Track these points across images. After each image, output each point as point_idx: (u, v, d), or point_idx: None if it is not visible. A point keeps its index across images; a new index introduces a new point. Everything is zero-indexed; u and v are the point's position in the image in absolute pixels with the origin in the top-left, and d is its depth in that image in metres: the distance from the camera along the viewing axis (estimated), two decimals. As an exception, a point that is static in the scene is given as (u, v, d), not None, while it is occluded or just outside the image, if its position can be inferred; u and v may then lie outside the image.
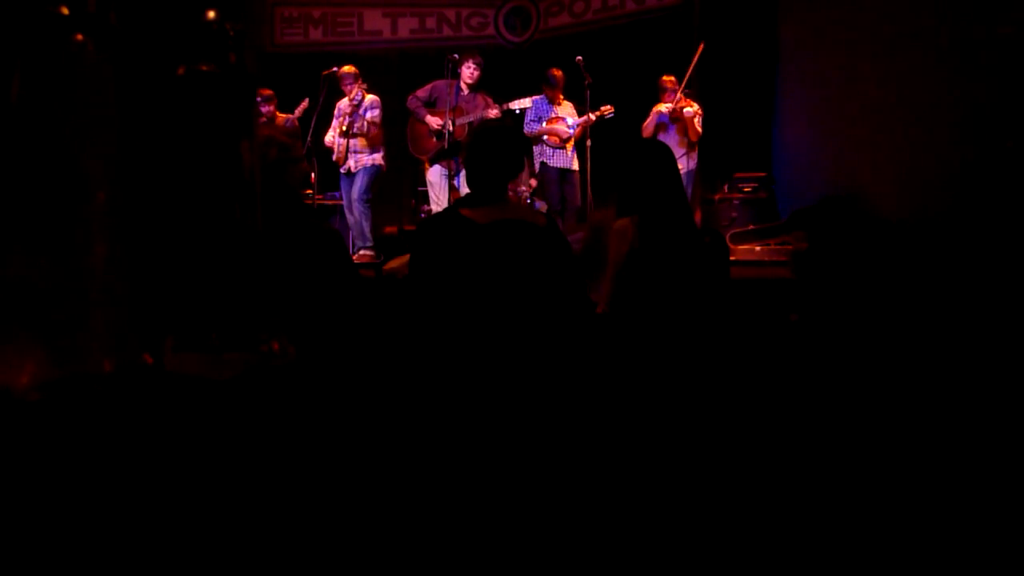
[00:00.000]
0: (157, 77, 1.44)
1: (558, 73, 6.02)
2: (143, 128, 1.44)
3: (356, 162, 5.86)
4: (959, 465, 1.71)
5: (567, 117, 6.06)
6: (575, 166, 6.08)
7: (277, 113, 6.37)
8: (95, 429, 1.22)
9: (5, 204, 1.28)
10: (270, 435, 1.40)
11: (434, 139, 5.80)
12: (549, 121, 6.07)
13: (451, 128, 5.60)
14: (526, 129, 6.09)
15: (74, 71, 1.34)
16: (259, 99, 6.33)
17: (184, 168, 1.43)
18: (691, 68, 6.14)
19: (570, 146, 6.05)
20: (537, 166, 6.23)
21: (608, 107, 6.00)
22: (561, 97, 6.11)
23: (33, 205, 1.28)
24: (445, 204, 5.80)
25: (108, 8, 1.35)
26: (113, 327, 1.30)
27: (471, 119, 5.59)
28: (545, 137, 6.07)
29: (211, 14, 1.41)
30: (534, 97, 6.09)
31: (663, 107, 6.14)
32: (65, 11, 1.28)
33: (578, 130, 6.00)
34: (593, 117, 5.98)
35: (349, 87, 5.88)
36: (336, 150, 5.91)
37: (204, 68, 1.42)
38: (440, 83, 5.81)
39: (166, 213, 1.43)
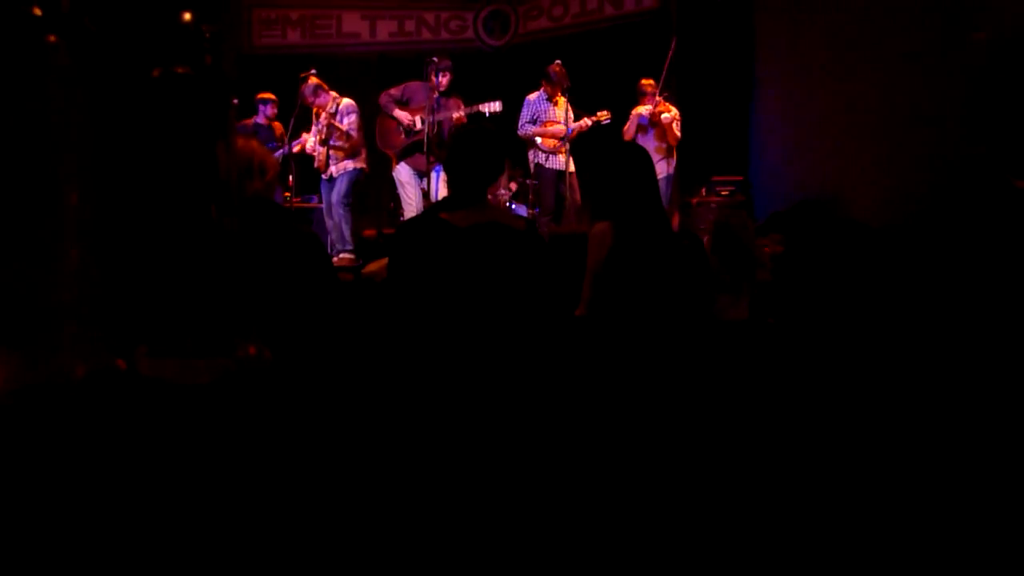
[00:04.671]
0: (132, 79, 1.43)
1: (558, 69, 5.92)
2: (117, 129, 1.42)
3: (337, 168, 5.85)
4: (937, 468, 1.74)
5: (563, 119, 5.98)
6: (571, 167, 6.01)
7: (275, 123, 6.40)
8: (67, 436, 1.21)
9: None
10: (247, 440, 1.39)
11: (403, 135, 5.80)
12: (545, 123, 6.04)
13: (420, 126, 5.61)
14: (520, 131, 6.06)
15: (46, 72, 1.33)
16: (261, 102, 6.38)
17: (159, 170, 1.42)
18: (666, 66, 6.17)
19: (564, 151, 5.98)
20: (532, 167, 6.21)
21: (605, 112, 5.98)
22: (559, 95, 6.00)
23: (2, 208, 1.27)
24: (417, 204, 5.80)
25: (82, 9, 1.34)
26: (85, 332, 1.28)
27: (440, 118, 5.61)
28: (539, 140, 6.05)
29: (187, 16, 1.40)
30: (533, 94, 6.06)
31: (642, 109, 6.16)
32: (38, 12, 1.27)
33: (573, 134, 5.96)
34: (589, 122, 5.97)
35: (322, 99, 5.84)
36: (317, 158, 5.92)
37: (179, 70, 1.41)
38: (413, 84, 5.83)
39: (140, 215, 1.42)
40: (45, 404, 1.18)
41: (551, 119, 6.03)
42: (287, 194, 6.28)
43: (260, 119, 6.45)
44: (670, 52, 6.19)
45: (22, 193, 1.26)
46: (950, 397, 1.97)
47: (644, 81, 6.23)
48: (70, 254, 1.28)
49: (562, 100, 6.02)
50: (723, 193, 6.54)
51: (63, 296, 1.26)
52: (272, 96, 6.41)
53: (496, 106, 5.59)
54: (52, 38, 1.29)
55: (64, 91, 1.30)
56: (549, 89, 6.00)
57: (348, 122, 5.79)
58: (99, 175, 1.33)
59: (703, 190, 6.66)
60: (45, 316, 1.24)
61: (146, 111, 1.39)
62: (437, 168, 5.62)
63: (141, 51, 1.40)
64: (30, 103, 1.28)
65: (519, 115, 6.09)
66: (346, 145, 5.78)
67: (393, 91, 5.86)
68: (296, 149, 6.16)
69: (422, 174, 5.76)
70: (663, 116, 6.08)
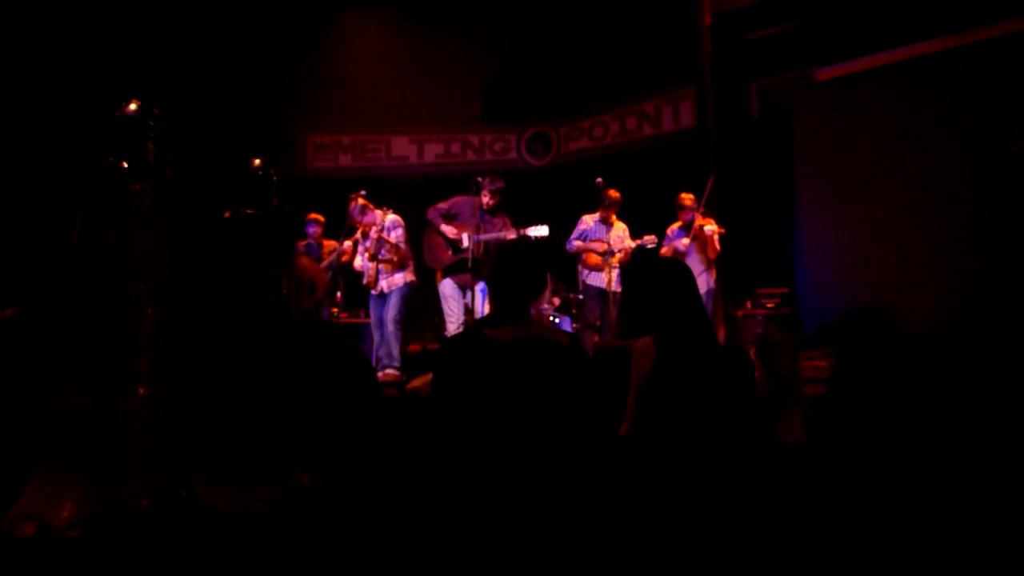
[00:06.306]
0: (207, 219, 1.54)
1: (613, 194, 6.14)
2: (193, 265, 1.52)
3: (388, 283, 5.95)
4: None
5: (611, 240, 6.13)
6: (616, 287, 6.10)
7: (324, 240, 6.63)
8: (132, 566, 1.23)
9: (57, 343, 1.35)
10: (298, 570, 1.39)
11: (450, 251, 5.86)
12: (591, 242, 6.19)
13: (467, 244, 5.67)
14: (567, 245, 6.28)
15: (130, 217, 1.45)
16: (308, 223, 6.69)
17: (227, 302, 1.51)
18: (704, 198, 6.30)
19: (607, 269, 6.07)
20: (580, 284, 6.32)
21: (651, 236, 6.11)
22: (614, 218, 6.21)
23: (83, 344, 1.35)
24: (459, 318, 5.83)
25: (165, 161, 1.47)
26: (151, 465, 1.32)
27: (488, 238, 5.68)
28: (583, 256, 6.21)
29: (257, 162, 1.53)
30: (591, 215, 6.24)
31: (681, 243, 6.22)
32: (125, 165, 1.39)
33: (620, 255, 6.08)
34: (633, 245, 6.10)
35: (369, 218, 6.02)
36: (366, 275, 6.05)
37: (248, 211, 1.52)
38: (462, 199, 5.93)
39: (208, 342, 1.49)
40: (111, 534, 1.21)
41: (599, 239, 6.17)
42: (334, 309, 6.41)
43: (310, 240, 6.73)
44: (708, 186, 6.32)
45: (99, 330, 1.35)
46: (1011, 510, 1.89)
47: (683, 195, 6.35)
48: (140, 391, 1.34)
49: (619, 224, 6.23)
50: (768, 305, 6.49)
51: (131, 431, 1.31)
52: (318, 217, 6.70)
53: (543, 231, 5.63)
54: (137, 186, 1.41)
55: (145, 233, 1.42)
56: (603, 212, 6.20)
57: (396, 235, 5.94)
58: (172, 306, 1.43)
59: (748, 303, 6.63)
60: (113, 450, 1.29)
61: (218, 248, 1.49)
62: (482, 285, 5.68)
63: (216, 194, 1.52)
64: (113, 244, 1.39)
65: (572, 230, 6.27)
66: (395, 258, 5.91)
67: (441, 205, 5.98)
68: (344, 259, 6.35)
69: (465, 288, 5.83)
70: (705, 229, 6.13)
